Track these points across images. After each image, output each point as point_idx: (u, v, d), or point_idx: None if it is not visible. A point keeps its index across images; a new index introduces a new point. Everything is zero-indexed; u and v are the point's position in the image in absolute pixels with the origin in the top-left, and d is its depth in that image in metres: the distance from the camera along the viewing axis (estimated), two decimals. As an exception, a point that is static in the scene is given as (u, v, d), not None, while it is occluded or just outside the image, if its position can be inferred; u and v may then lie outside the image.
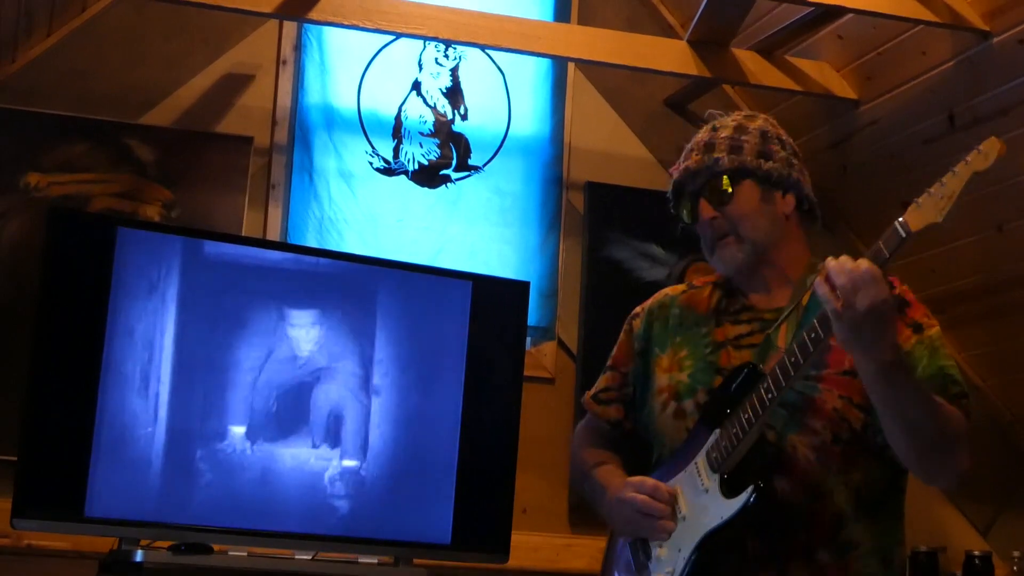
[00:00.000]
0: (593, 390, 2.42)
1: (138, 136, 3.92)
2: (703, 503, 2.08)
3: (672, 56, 3.96)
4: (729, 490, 2.05)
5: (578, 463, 2.41)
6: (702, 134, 2.28)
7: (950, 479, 2.08)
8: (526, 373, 3.65)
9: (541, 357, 4.18)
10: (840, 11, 3.71)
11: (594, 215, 4.26)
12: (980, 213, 3.89)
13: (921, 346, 2.10)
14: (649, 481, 2.16)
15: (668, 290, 2.39)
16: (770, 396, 2.01)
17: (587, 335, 4.19)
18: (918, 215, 2.01)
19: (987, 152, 1.99)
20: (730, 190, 2.19)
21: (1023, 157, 3.64)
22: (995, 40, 3.48)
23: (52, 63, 3.90)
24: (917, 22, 3.56)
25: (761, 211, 2.19)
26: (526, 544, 3.82)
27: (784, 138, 2.26)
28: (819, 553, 2.07)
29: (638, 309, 2.40)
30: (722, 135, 2.24)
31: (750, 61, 4.01)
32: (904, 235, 1.98)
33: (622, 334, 2.40)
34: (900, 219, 2.00)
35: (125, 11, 3.99)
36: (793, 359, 1.99)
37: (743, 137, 2.22)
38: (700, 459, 2.11)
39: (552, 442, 4.07)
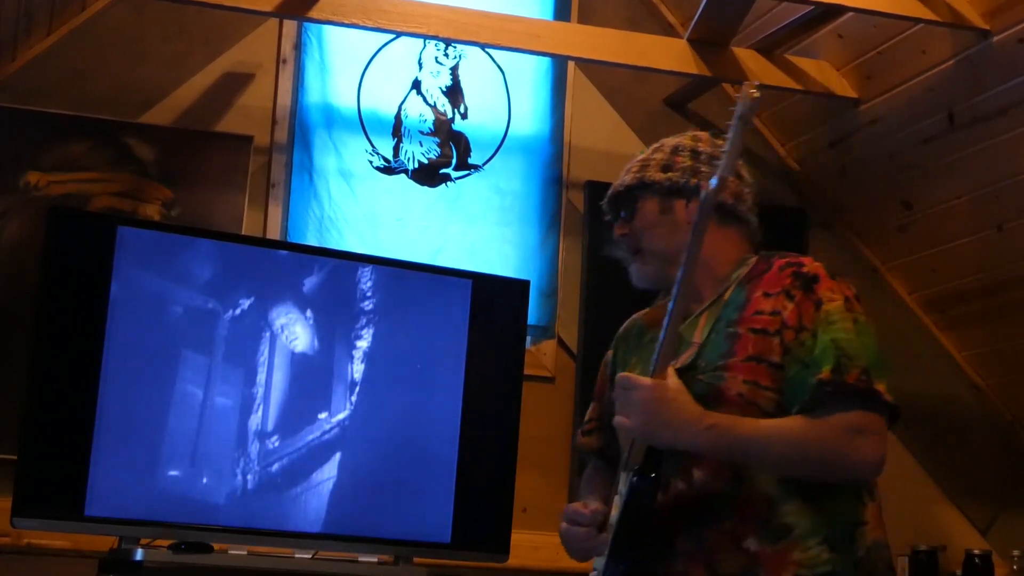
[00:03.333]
0: (584, 423, 2.47)
1: (138, 135, 3.92)
2: (618, 505, 2.11)
3: (672, 55, 3.96)
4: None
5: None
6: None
7: (859, 477, 2.07)
8: (526, 372, 3.65)
9: (541, 356, 4.18)
10: (840, 10, 3.71)
11: (594, 214, 4.25)
12: (980, 213, 3.89)
13: (820, 322, 2.07)
14: (572, 507, 2.19)
15: (637, 314, 2.44)
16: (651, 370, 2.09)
17: (587, 334, 4.19)
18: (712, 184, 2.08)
19: (743, 95, 2.05)
20: (632, 206, 2.27)
21: (1023, 157, 3.64)
22: (995, 39, 3.48)
23: (52, 63, 3.91)
24: (917, 21, 3.56)
25: (660, 222, 2.23)
26: (526, 543, 3.82)
27: (700, 149, 2.27)
28: (747, 541, 2.04)
29: (616, 338, 2.46)
30: (638, 158, 2.32)
31: (750, 60, 4.01)
32: (703, 197, 2.07)
33: (602, 365, 2.46)
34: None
35: (125, 11, 3.99)
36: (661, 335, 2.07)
37: (654, 155, 2.29)
38: (622, 469, 2.14)
39: (552, 441, 4.07)
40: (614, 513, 2.11)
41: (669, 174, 2.24)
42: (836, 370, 2.02)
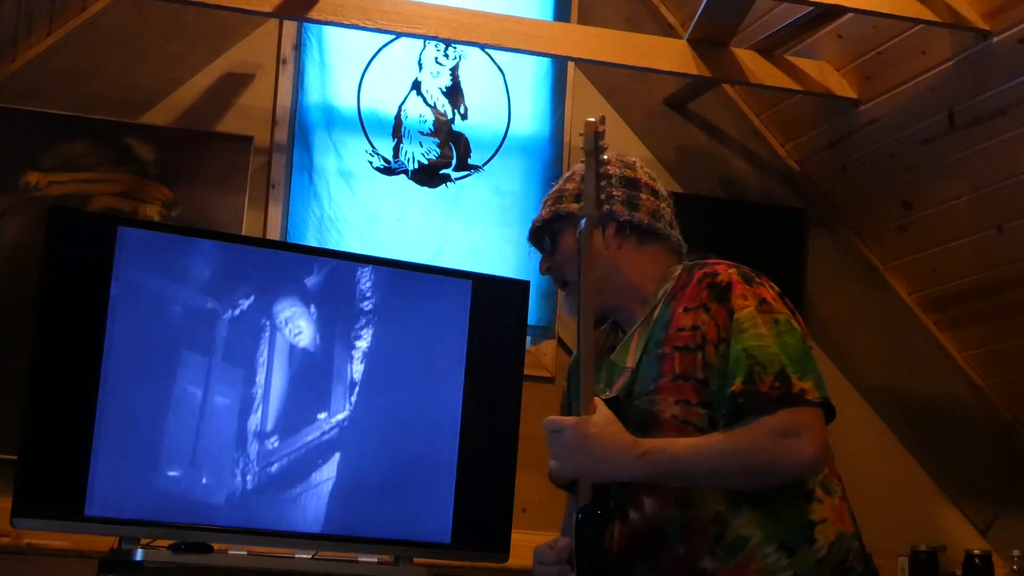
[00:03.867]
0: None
1: (138, 135, 3.92)
2: None
3: (672, 55, 3.96)
4: None
5: None
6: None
7: (799, 476, 2.05)
8: (526, 372, 3.64)
9: (541, 356, 4.18)
10: (840, 11, 3.71)
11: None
12: (980, 213, 3.89)
13: (733, 331, 2.06)
14: (541, 548, 2.18)
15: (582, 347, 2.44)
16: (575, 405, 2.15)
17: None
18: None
19: (586, 133, 2.17)
20: (551, 240, 2.28)
21: (1023, 157, 3.64)
22: (995, 40, 3.48)
23: (52, 63, 3.91)
24: (917, 21, 3.56)
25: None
26: (526, 543, 3.76)
27: (611, 173, 2.25)
28: (703, 562, 2.04)
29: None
30: (552, 190, 2.33)
31: (750, 60, 4.01)
32: (578, 233, 2.14)
33: (561, 398, 2.48)
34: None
35: (125, 11, 3.99)
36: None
37: (566, 185, 2.30)
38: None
39: (552, 441, 4.07)
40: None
41: (579, 205, 2.22)
42: (747, 379, 2.01)
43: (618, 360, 2.19)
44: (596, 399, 2.05)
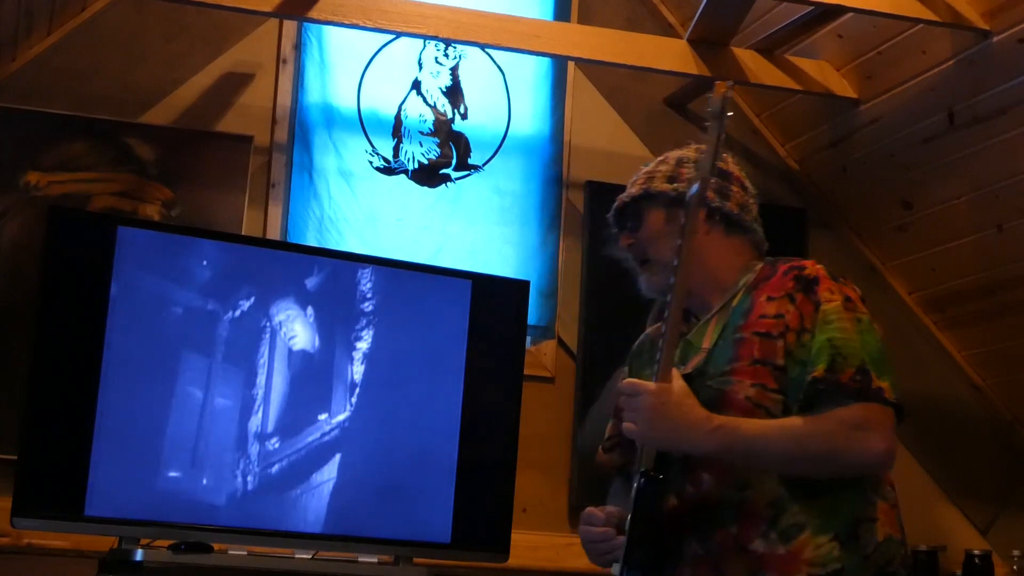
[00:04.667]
0: (604, 443, 2.48)
1: (138, 135, 3.92)
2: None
3: (672, 55, 3.96)
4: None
5: None
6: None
7: (865, 470, 2.09)
8: (526, 372, 3.65)
9: (541, 356, 4.18)
10: (840, 10, 3.71)
11: (594, 214, 4.26)
12: (980, 213, 3.89)
13: (818, 323, 2.10)
14: (592, 511, 2.21)
15: (648, 330, 2.47)
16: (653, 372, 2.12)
17: (587, 334, 4.19)
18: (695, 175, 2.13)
19: (715, 95, 2.13)
20: (637, 217, 2.29)
21: (1023, 157, 3.64)
22: (995, 39, 3.48)
23: (52, 63, 3.91)
24: (917, 21, 3.56)
25: (665, 232, 2.24)
26: (526, 543, 3.82)
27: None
28: (755, 544, 2.06)
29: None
30: (645, 170, 2.34)
31: (750, 60, 4.01)
32: (688, 196, 2.11)
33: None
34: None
35: (125, 11, 3.99)
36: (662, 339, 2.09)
37: (659, 167, 2.32)
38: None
39: (552, 441, 4.07)
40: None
41: (675, 185, 2.26)
42: (830, 368, 2.05)
43: (695, 341, 2.21)
44: (674, 370, 2.08)
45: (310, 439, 3.28)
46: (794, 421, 2.06)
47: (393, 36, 4.08)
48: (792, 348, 2.09)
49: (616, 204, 2.34)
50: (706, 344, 2.18)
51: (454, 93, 4.26)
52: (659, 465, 2.07)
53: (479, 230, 4.21)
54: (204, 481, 3.16)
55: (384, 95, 4.20)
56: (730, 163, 2.33)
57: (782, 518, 2.06)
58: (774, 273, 2.19)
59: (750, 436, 2.04)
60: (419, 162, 4.19)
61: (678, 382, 2.06)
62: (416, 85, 4.23)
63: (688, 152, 2.32)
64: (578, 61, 4.20)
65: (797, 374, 2.08)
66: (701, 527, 2.09)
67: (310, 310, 3.33)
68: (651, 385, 2.06)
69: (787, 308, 2.12)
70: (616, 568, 2.14)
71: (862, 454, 2.05)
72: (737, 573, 2.06)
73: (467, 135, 4.25)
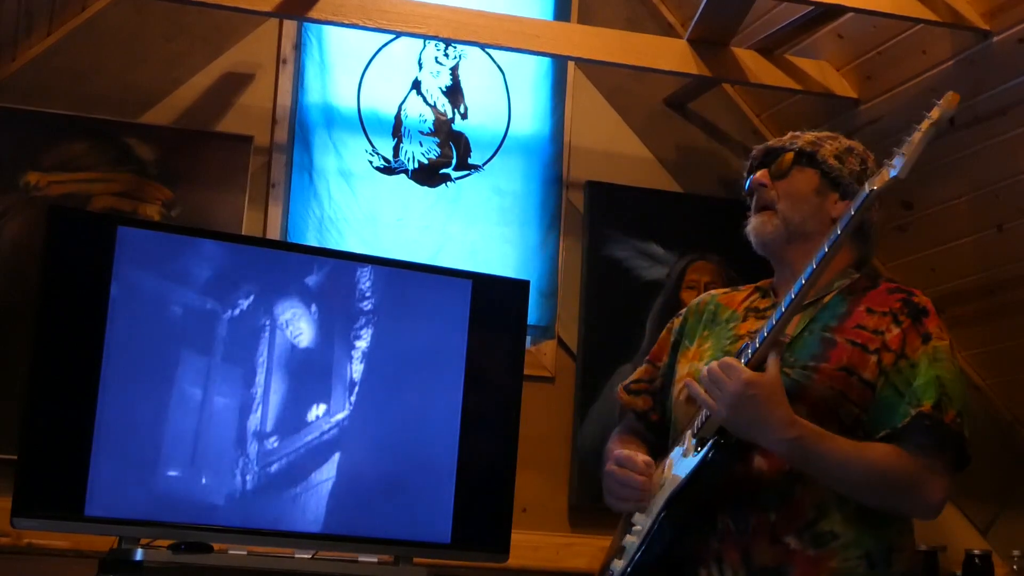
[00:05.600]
0: (627, 380, 2.45)
1: (138, 135, 3.92)
2: (679, 465, 2.11)
3: (672, 55, 3.96)
4: (700, 446, 2.08)
5: (606, 454, 2.41)
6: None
7: (918, 515, 2.12)
8: (526, 372, 3.65)
9: (541, 356, 4.18)
10: (840, 10, 3.71)
11: (594, 214, 4.26)
12: (980, 213, 3.89)
13: (925, 355, 2.09)
14: (625, 452, 2.18)
15: (714, 291, 2.44)
16: (750, 352, 2.07)
17: (587, 334, 4.19)
18: (883, 173, 2.04)
19: (944, 104, 2.05)
20: (789, 169, 2.24)
21: (1023, 157, 3.64)
22: (995, 39, 3.48)
23: (52, 63, 3.91)
24: (917, 21, 3.56)
25: (809, 199, 2.22)
26: (526, 543, 3.82)
27: (869, 164, 2.27)
28: (788, 538, 2.05)
29: (683, 310, 2.45)
30: (813, 133, 2.30)
31: (750, 60, 4.01)
32: (867, 192, 2.03)
33: (664, 331, 2.44)
34: (869, 180, 2.07)
35: (125, 11, 3.99)
36: (771, 321, 2.05)
37: (829, 141, 2.28)
38: (689, 431, 2.14)
39: (552, 441, 4.07)
40: (667, 473, 2.10)
41: (839, 165, 2.22)
42: (937, 406, 2.04)
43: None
44: (772, 360, 2.04)
45: (309, 438, 3.28)
46: (876, 451, 2.04)
47: (393, 36, 4.08)
48: (887, 369, 2.08)
49: (776, 144, 2.28)
50: (790, 331, 2.13)
51: (454, 93, 4.26)
52: (722, 433, 2.05)
53: (479, 230, 4.21)
54: (204, 481, 3.16)
55: (384, 95, 4.20)
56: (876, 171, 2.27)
57: (821, 522, 2.06)
58: (874, 287, 2.18)
59: (829, 457, 2.02)
60: (419, 162, 4.19)
61: (772, 371, 2.02)
62: (416, 85, 4.23)
63: (857, 145, 2.29)
64: (578, 61, 4.21)
65: (888, 397, 2.07)
66: (739, 505, 2.08)
67: (310, 310, 3.33)
68: (748, 373, 2.01)
69: (889, 327, 2.10)
70: (639, 518, 2.13)
71: (927, 502, 2.08)
72: (763, 560, 2.06)
73: (467, 135, 4.25)
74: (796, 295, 2.04)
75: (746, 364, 2.05)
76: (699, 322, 2.35)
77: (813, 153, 2.24)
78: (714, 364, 2.06)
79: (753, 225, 2.25)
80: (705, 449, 2.05)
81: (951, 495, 2.09)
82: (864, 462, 2.03)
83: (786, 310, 2.03)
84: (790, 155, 2.25)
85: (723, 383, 2.03)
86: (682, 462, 2.10)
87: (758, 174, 2.26)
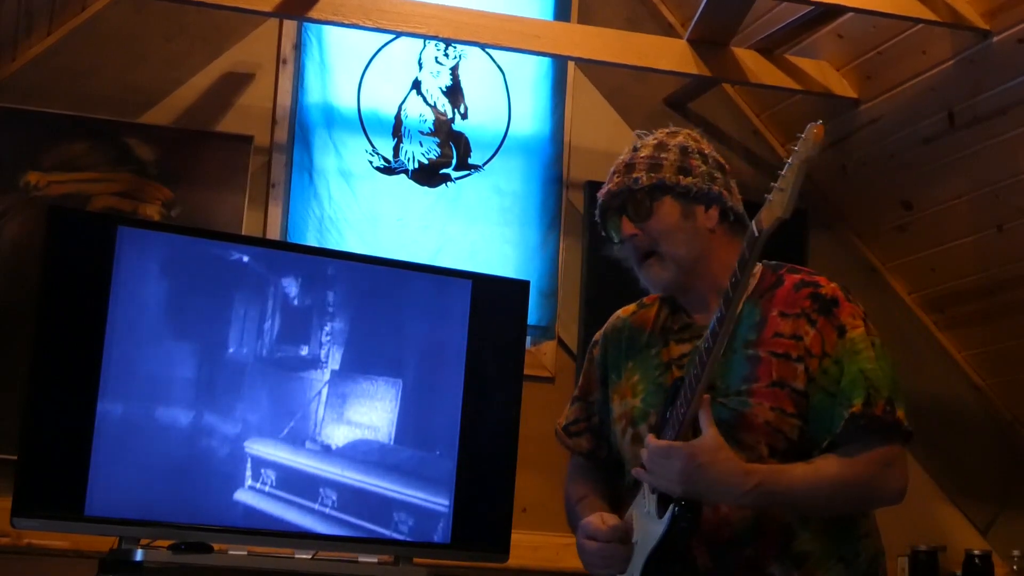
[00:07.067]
0: (563, 421, 2.43)
1: (138, 135, 3.92)
2: (647, 525, 2.09)
3: (672, 55, 3.96)
4: (662, 509, 2.05)
5: (567, 499, 2.41)
6: (623, 156, 2.27)
7: (887, 505, 2.11)
8: (526, 372, 3.65)
9: (541, 356, 4.18)
10: (840, 10, 3.71)
11: (594, 215, 4.25)
12: (980, 213, 3.89)
13: (844, 351, 2.07)
14: (594, 523, 2.14)
15: (620, 312, 2.39)
16: (683, 411, 2.03)
17: (587, 334, 4.19)
18: (768, 212, 1.96)
19: (808, 138, 1.95)
20: (649, 207, 2.18)
21: (1023, 157, 3.64)
22: (995, 39, 3.48)
23: (52, 63, 3.91)
24: (917, 21, 3.56)
25: (681, 227, 2.17)
26: (526, 543, 3.82)
27: (706, 152, 2.22)
28: (772, 567, 2.05)
29: (597, 335, 2.41)
30: (642, 155, 2.22)
31: (750, 60, 4.01)
32: (756, 234, 1.95)
33: (586, 363, 2.41)
34: (755, 218, 1.98)
35: (125, 11, 3.99)
36: (694, 371, 2.01)
37: (662, 155, 2.21)
38: (647, 486, 2.11)
39: (552, 441, 4.02)
40: (636, 529, 2.10)
41: (689, 179, 2.17)
42: (867, 403, 2.03)
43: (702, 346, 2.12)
44: (707, 418, 1.99)
45: (309, 436, 3.28)
46: (830, 467, 2.03)
47: (393, 36, 4.08)
48: (815, 374, 2.06)
49: (620, 189, 2.21)
50: None
51: (454, 93, 4.26)
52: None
53: (479, 230, 4.21)
54: (204, 480, 3.16)
55: (384, 95, 4.20)
56: (715, 152, 2.25)
57: (793, 544, 2.06)
58: (779, 283, 2.14)
59: (792, 488, 2.01)
60: (419, 162, 4.19)
61: (710, 434, 1.98)
62: (416, 85, 4.23)
63: (687, 141, 2.23)
64: (578, 61, 4.21)
65: (820, 402, 2.05)
66: (715, 544, 2.07)
67: (310, 310, 3.33)
68: (685, 449, 1.98)
69: (806, 330, 2.07)
70: None
71: (891, 493, 2.07)
72: None
73: (467, 135, 4.25)
74: (709, 358, 1.99)
75: (679, 425, 2.02)
76: (619, 351, 2.31)
77: (662, 181, 2.17)
78: (652, 450, 2.02)
79: (648, 277, 2.21)
80: (668, 515, 2.03)
81: (908, 476, 2.08)
82: (824, 481, 2.02)
83: (705, 369, 1.98)
84: (642, 194, 2.18)
85: (666, 465, 2.00)
86: (650, 524, 2.08)
87: (624, 228, 2.20)
